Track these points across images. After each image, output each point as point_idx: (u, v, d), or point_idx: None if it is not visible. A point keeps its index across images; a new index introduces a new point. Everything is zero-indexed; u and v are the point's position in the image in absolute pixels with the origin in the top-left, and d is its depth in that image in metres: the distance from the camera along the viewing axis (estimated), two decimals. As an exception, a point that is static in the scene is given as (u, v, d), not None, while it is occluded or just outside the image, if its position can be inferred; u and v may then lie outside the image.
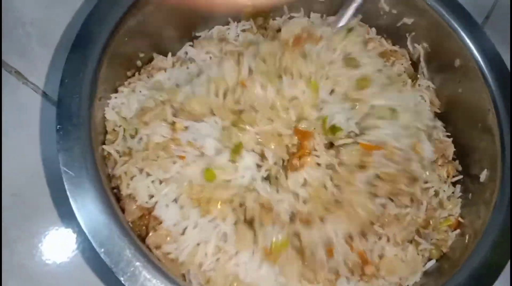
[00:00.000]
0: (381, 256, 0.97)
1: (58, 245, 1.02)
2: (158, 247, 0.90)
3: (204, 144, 0.94)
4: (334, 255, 0.93)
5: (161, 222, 0.91)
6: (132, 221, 0.93)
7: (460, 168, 1.13)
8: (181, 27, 1.13)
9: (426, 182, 1.06)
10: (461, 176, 1.12)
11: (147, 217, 0.94)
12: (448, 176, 1.11)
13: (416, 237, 1.01)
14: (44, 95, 1.10)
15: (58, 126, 0.86)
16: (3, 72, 1.09)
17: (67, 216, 1.02)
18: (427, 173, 1.05)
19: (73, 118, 0.87)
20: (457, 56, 1.13)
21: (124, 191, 0.93)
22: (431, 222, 1.03)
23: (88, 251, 1.01)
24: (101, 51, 0.94)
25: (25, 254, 1.00)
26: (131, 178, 0.94)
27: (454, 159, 1.15)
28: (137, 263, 0.81)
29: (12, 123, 1.07)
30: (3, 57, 1.10)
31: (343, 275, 0.94)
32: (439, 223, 1.04)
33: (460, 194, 1.11)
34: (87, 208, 0.82)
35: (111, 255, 0.80)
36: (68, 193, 0.82)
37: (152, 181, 0.93)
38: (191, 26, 1.15)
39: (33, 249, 1.01)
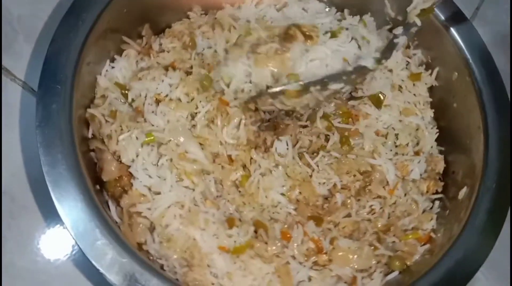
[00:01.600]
0: (334, 247, 0.97)
1: (49, 242, 1.04)
2: (132, 205, 0.93)
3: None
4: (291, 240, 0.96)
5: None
6: (108, 181, 0.96)
7: (440, 189, 1.11)
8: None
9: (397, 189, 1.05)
10: (440, 195, 1.09)
11: (124, 178, 0.97)
12: (427, 191, 1.09)
13: (375, 241, 0.99)
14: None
15: (40, 82, 0.89)
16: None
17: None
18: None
19: (58, 75, 0.90)
20: (455, 69, 1.11)
21: (112, 148, 0.96)
22: (391, 229, 1.01)
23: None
24: (95, 18, 0.97)
25: (15, 252, 1.01)
26: (120, 135, 0.97)
27: (439, 179, 1.13)
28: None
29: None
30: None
31: (297, 259, 0.95)
32: (405, 234, 1.02)
33: (438, 210, 1.08)
34: (69, 201, 0.84)
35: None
36: (48, 184, 0.84)
37: (137, 138, 0.97)
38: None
39: (23, 247, 1.02)
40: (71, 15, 0.95)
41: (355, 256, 0.97)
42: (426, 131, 1.13)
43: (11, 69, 1.12)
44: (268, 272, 0.93)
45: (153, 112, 1.02)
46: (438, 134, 1.16)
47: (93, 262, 0.80)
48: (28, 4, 1.18)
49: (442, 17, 1.12)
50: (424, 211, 1.07)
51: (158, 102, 1.03)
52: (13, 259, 1.00)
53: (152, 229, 0.93)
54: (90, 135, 0.99)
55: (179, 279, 0.90)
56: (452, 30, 1.11)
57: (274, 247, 0.94)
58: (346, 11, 1.22)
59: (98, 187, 0.95)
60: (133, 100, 1.04)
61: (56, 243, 1.04)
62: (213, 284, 0.91)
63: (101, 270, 0.80)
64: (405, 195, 1.06)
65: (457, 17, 1.12)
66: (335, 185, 1.04)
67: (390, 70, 1.15)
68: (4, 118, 1.08)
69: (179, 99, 1.03)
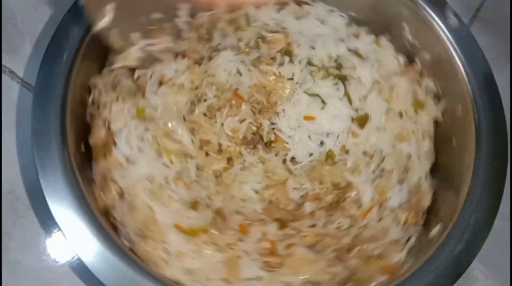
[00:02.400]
0: (289, 253, 0.98)
1: (55, 241, 1.07)
2: (108, 170, 0.99)
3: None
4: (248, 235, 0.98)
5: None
6: (94, 146, 1.02)
7: (421, 222, 1.07)
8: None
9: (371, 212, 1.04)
10: (418, 228, 1.06)
11: (109, 146, 1.02)
12: (404, 223, 1.06)
13: (334, 258, 0.99)
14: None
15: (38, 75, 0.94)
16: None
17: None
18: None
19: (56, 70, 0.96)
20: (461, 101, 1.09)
21: (104, 115, 1.02)
22: (354, 250, 1.00)
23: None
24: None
25: (21, 250, 1.04)
26: (114, 104, 1.03)
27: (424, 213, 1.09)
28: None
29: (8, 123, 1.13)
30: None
31: (250, 256, 0.97)
32: (368, 260, 1.00)
33: (413, 243, 1.05)
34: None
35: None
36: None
37: (129, 111, 1.03)
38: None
39: (29, 245, 1.04)
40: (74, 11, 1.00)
41: (309, 267, 0.97)
42: (418, 162, 1.10)
43: (9, 66, 1.16)
44: (218, 261, 0.96)
45: (154, 92, 1.07)
46: (432, 167, 1.12)
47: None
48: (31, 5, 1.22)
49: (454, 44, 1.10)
50: (396, 242, 1.04)
51: (161, 83, 1.09)
52: (18, 257, 1.03)
53: (121, 195, 0.98)
54: (90, 102, 1.06)
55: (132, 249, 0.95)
56: (462, 57, 1.09)
57: (227, 237, 0.97)
58: (363, 29, 1.21)
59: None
60: (138, 78, 1.10)
61: (62, 242, 1.08)
62: (162, 259, 0.94)
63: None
64: (379, 220, 1.04)
65: (467, 43, 1.10)
66: (307, 192, 1.04)
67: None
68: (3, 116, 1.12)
69: (182, 85, 1.09)
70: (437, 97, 1.16)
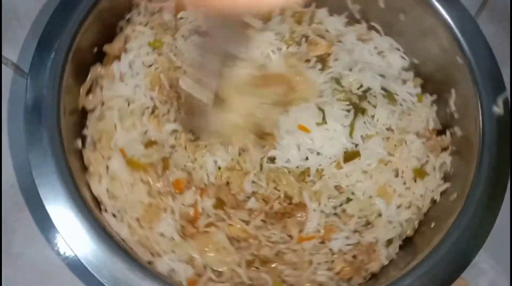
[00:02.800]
0: (207, 230, 0.98)
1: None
2: (101, 77, 1.04)
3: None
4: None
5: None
6: (107, 53, 1.07)
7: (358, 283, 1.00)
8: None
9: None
10: None
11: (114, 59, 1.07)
12: (337, 273, 0.99)
13: (243, 261, 0.96)
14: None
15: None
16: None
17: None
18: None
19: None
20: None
21: (127, 31, 1.07)
22: (269, 265, 0.96)
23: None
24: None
25: (24, 244, 1.03)
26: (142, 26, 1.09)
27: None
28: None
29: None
30: None
31: (173, 214, 0.98)
32: (275, 283, 0.95)
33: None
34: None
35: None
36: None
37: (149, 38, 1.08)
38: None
39: (32, 239, 1.03)
40: None
41: (217, 253, 0.95)
42: (386, 226, 1.01)
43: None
44: (143, 202, 0.97)
45: (184, 37, 1.10)
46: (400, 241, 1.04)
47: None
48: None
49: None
50: (313, 282, 0.97)
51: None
52: (22, 250, 1.02)
53: (102, 104, 1.04)
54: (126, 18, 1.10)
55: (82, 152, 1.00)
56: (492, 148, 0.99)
57: (160, 185, 0.98)
58: (416, 79, 1.16)
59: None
60: (181, 18, 1.12)
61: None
62: (98, 174, 0.98)
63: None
64: (311, 254, 0.98)
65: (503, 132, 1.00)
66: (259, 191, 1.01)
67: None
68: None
69: None
70: (446, 178, 1.06)
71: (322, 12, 1.21)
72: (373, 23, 1.21)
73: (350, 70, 1.11)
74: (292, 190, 1.00)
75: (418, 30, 1.13)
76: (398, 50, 1.19)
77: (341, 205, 1.02)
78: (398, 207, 1.03)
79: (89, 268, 0.84)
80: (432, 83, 1.15)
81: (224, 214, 0.98)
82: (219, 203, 0.99)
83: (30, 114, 0.91)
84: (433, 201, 1.06)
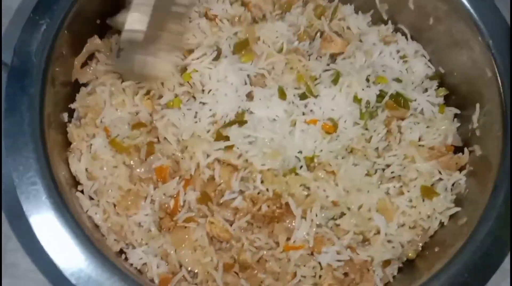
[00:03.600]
0: (185, 226, 0.91)
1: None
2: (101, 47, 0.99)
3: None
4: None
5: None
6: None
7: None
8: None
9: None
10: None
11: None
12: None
13: (221, 261, 0.89)
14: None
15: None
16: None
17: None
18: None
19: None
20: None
21: None
22: (249, 271, 0.89)
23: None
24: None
25: (19, 251, 0.95)
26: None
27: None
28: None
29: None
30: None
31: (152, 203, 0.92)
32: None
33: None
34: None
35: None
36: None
37: None
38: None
39: (27, 246, 0.96)
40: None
41: (192, 250, 0.89)
42: (384, 245, 0.92)
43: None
44: (122, 187, 0.91)
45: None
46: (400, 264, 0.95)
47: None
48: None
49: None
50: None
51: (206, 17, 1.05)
52: (16, 259, 0.96)
53: (94, 78, 0.99)
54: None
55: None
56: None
57: (144, 173, 0.91)
58: (439, 89, 1.06)
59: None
60: None
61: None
62: (80, 151, 0.93)
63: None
64: (296, 265, 0.89)
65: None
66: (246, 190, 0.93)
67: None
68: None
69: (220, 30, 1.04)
70: (458, 200, 0.95)
71: (347, 9, 1.13)
72: (400, 25, 1.12)
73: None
74: (281, 187, 0.91)
75: (449, 38, 1.04)
76: (424, 57, 1.09)
77: (333, 219, 0.92)
78: (401, 226, 0.93)
79: (49, 253, 0.78)
80: (456, 96, 1.05)
81: (207, 210, 0.91)
82: (204, 198, 0.91)
83: (13, 79, 0.85)
84: (441, 224, 0.95)
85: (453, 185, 0.97)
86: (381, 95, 1.00)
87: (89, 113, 0.94)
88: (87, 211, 0.90)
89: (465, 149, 0.98)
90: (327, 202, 0.92)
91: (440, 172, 0.96)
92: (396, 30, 1.13)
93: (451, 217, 0.94)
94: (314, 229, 0.90)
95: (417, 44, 1.10)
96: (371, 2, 1.12)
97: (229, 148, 0.93)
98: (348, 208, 0.92)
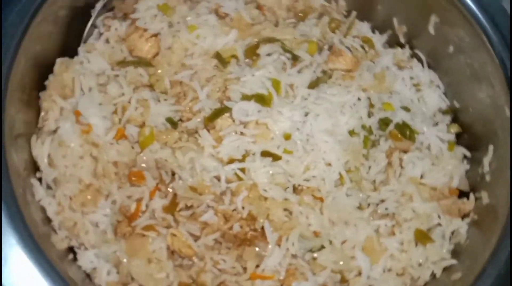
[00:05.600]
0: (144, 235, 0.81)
1: None
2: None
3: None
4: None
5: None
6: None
7: None
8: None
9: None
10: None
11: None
12: None
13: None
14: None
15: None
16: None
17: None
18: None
19: None
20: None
21: None
22: None
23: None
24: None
25: None
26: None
27: None
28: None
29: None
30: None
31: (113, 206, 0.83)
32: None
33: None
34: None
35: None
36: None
37: None
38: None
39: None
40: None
41: (147, 262, 0.79)
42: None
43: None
44: (81, 180, 0.82)
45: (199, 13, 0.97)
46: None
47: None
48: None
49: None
50: None
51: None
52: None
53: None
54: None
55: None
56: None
57: (111, 166, 0.83)
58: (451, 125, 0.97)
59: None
60: None
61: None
62: (47, 132, 0.85)
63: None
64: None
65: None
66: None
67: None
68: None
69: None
70: (456, 251, 0.85)
71: (364, 26, 1.05)
72: (417, 51, 1.03)
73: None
74: (258, 210, 0.81)
75: (469, 70, 0.94)
76: (438, 88, 1.00)
77: (311, 251, 0.82)
78: (388, 270, 0.83)
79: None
80: (469, 135, 0.96)
81: (172, 220, 0.81)
82: (171, 206, 0.82)
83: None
84: (433, 275, 0.84)
85: (452, 233, 0.87)
86: (385, 123, 0.91)
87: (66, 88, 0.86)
88: (39, 201, 0.80)
89: (471, 195, 0.88)
90: (308, 231, 0.81)
91: (439, 217, 0.85)
92: (412, 55, 1.04)
93: (445, 269, 0.83)
94: (287, 260, 0.80)
95: (433, 73, 1.01)
96: (389, 22, 1.04)
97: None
98: (330, 242, 0.82)
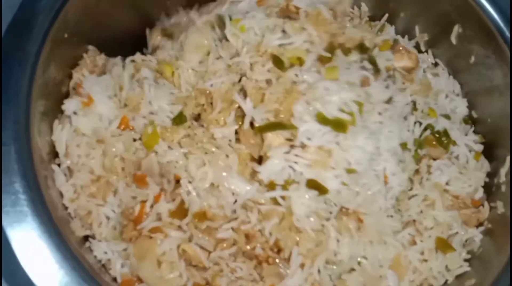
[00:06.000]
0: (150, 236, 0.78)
1: None
2: None
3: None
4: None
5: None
6: None
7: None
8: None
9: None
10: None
11: None
12: None
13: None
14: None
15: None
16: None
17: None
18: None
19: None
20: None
21: None
22: None
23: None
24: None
25: None
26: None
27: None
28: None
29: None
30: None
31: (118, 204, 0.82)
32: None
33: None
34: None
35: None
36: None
37: None
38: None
39: None
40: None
41: (156, 265, 0.76)
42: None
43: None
44: (94, 171, 0.82)
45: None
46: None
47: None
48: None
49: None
50: None
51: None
52: None
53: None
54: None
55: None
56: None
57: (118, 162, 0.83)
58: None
59: None
60: None
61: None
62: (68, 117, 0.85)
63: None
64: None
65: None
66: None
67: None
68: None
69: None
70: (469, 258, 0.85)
71: (391, 30, 1.06)
72: (438, 60, 1.03)
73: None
74: (285, 241, 0.77)
75: (489, 82, 0.94)
76: (456, 97, 1.00)
77: (340, 277, 0.79)
78: (410, 281, 0.82)
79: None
80: (486, 145, 0.95)
81: (188, 227, 0.78)
82: (179, 212, 0.79)
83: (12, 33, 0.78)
84: (445, 282, 0.84)
85: (466, 241, 0.86)
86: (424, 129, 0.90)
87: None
88: (59, 186, 0.80)
89: (486, 203, 0.88)
90: (335, 258, 0.79)
91: (457, 225, 0.85)
92: (433, 64, 1.04)
93: (457, 276, 0.83)
94: (310, 283, 0.77)
95: (456, 83, 1.01)
96: (411, 29, 1.04)
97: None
98: (359, 263, 0.80)
